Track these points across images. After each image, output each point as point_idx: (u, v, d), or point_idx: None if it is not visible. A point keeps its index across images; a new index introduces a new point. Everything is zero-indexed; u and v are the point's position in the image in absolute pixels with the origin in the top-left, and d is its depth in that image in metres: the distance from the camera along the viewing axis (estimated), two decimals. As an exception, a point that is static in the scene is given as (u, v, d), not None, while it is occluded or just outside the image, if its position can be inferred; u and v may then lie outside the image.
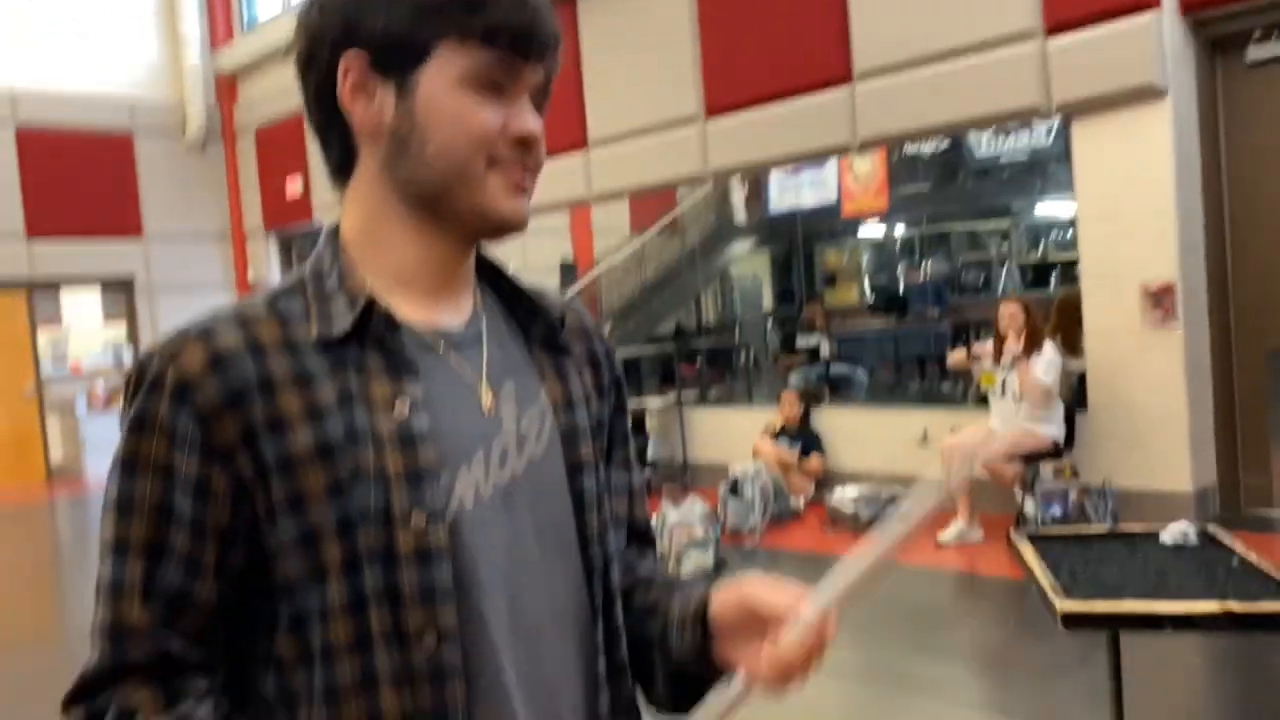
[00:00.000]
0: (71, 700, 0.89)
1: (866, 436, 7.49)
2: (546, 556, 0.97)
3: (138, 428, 0.87)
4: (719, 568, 5.71)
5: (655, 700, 1.08)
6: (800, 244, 12.74)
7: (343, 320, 0.90)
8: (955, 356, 6.93)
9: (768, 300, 13.56)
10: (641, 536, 1.16)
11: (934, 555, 5.94)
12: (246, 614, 0.90)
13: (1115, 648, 2.24)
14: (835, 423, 7.69)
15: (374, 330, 0.91)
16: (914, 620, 4.98)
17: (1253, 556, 2.13)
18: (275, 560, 0.88)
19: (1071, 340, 6.54)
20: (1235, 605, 1.77)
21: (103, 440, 11.14)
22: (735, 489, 6.80)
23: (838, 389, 9.21)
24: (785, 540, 6.58)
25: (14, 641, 6.02)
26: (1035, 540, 2.37)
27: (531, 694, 0.93)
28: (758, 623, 0.94)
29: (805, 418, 7.56)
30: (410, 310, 0.95)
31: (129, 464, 0.88)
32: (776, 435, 7.48)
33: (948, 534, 6.09)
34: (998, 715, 3.73)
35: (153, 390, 0.87)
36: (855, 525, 6.49)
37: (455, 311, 0.99)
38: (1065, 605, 1.89)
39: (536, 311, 1.03)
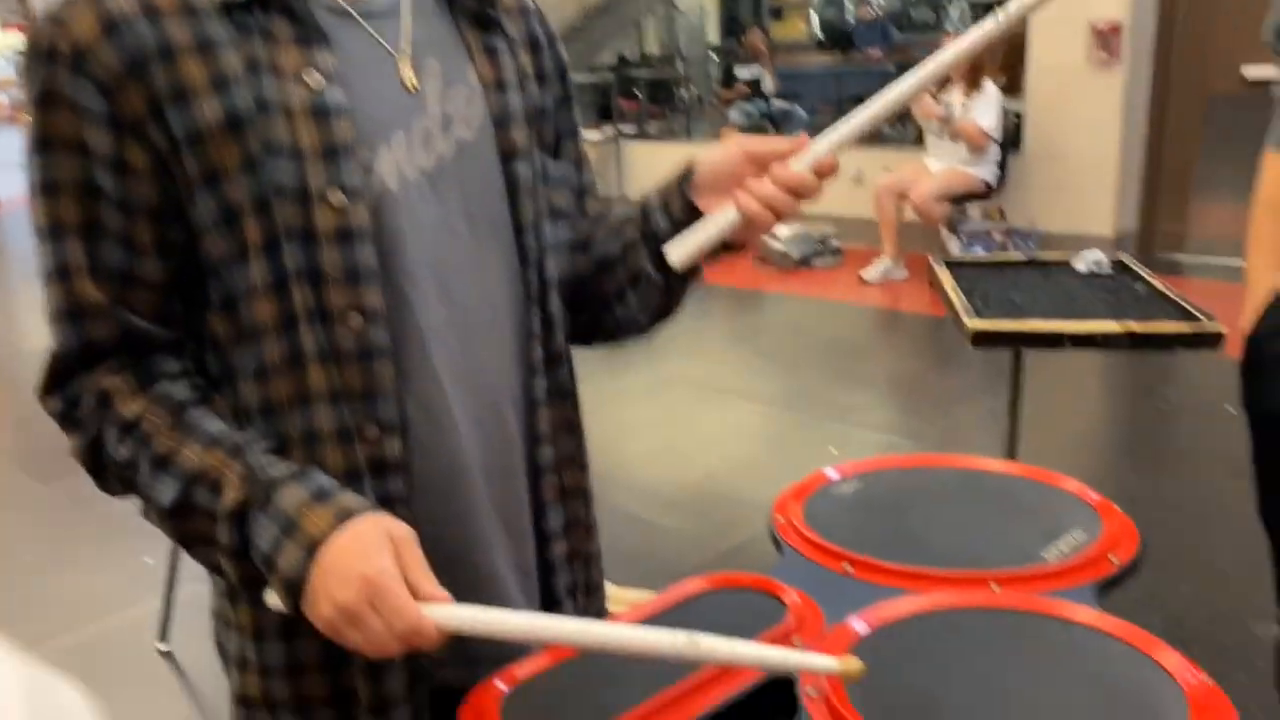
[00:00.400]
0: (46, 390, 0.88)
1: (802, 175, 7.45)
2: (478, 242, 0.94)
3: (43, 104, 0.83)
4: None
5: (627, 327, 1.07)
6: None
7: None
8: (924, 106, 6.44)
9: (712, 33, 13.04)
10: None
11: (858, 291, 6.11)
12: (191, 294, 0.88)
13: (1017, 366, 2.35)
14: (772, 160, 7.62)
15: None
16: (833, 351, 5.18)
17: (1159, 283, 2.22)
18: (201, 239, 0.86)
19: (1013, 80, 6.44)
20: (1135, 325, 1.85)
21: (7, 155, 10.62)
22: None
23: (779, 126, 9.06)
24: (715, 277, 6.67)
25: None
26: (953, 266, 2.43)
27: (463, 378, 0.93)
28: (755, 167, 0.93)
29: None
30: None
31: (43, 143, 0.83)
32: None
33: (873, 271, 6.24)
34: (902, 437, 3.97)
35: (49, 61, 0.82)
36: (785, 263, 6.59)
37: None
38: (974, 324, 1.96)
39: None
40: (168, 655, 2.64)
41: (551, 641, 0.81)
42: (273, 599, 0.83)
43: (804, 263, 6.64)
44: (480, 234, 0.95)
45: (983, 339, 1.95)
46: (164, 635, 2.65)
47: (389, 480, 0.90)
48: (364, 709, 0.91)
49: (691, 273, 1.00)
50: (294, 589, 0.80)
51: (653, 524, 3.27)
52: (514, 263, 0.97)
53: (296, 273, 0.85)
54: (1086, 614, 0.90)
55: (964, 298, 2.12)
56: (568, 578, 1.05)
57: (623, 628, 0.78)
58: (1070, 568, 0.99)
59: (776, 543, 1.11)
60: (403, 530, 0.81)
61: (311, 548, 0.79)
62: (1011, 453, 2.39)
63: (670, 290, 1.02)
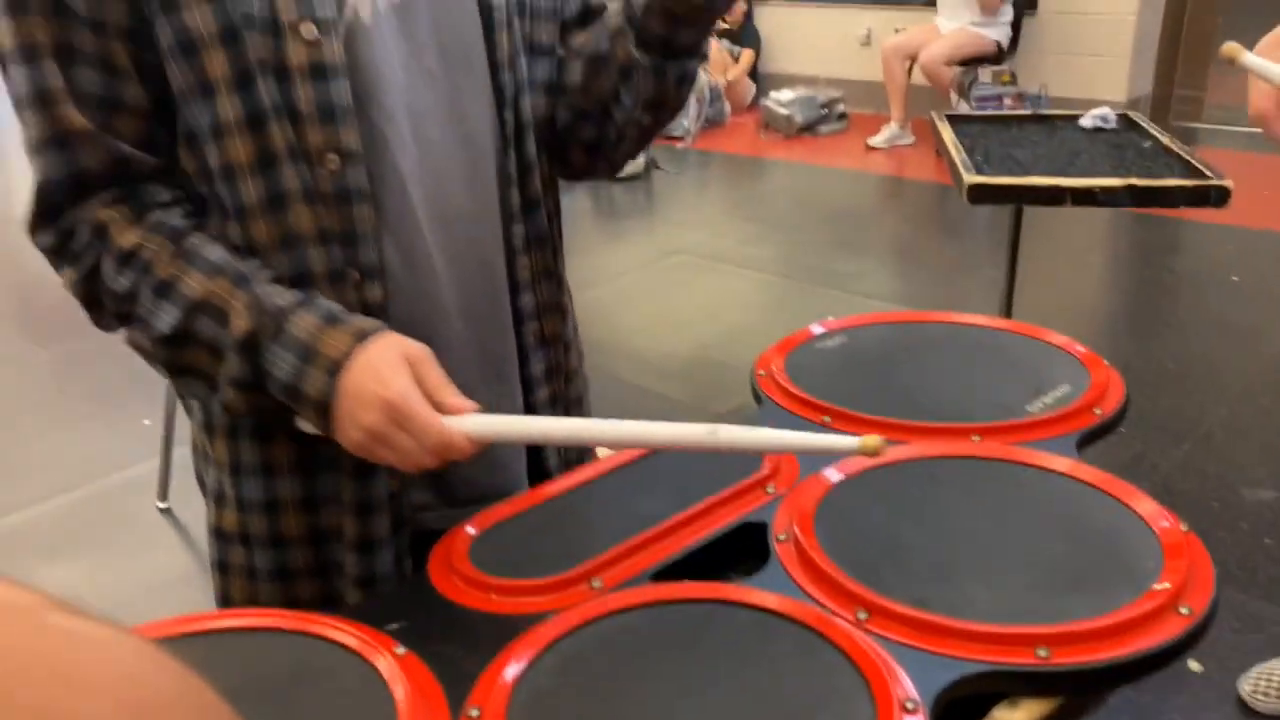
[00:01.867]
0: (37, 223, 0.85)
1: (809, 37, 7.22)
2: (452, 78, 0.90)
3: None
4: (649, 168, 5.69)
5: (629, 133, 0.99)
6: None
7: None
8: None
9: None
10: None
11: (864, 158, 5.99)
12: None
13: (1017, 224, 2.30)
14: (778, 21, 7.37)
15: None
16: (835, 219, 5.11)
17: (1165, 139, 2.14)
18: (166, 67, 0.81)
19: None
20: (1137, 180, 1.79)
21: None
22: (670, 88, 6.62)
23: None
24: (715, 143, 6.53)
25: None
26: (955, 121, 2.35)
27: (440, 221, 0.91)
28: None
29: (747, 16, 7.22)
30: None
31: None
32: (719, 36, 7.18)
33: (879, 137, 6.10)
34: (901, 305, 3.94)
35: None
36: (788, 129, 6.44)
37: None
38: (972, 178, 1.90)
39: None
40: (166, 512, 2.68)
41: (578, 441, 0.87)
42: (305, 425, 0.84)
43: (808, 129, 6.48)
44: (454, 70, 0.91)
45: (980, 194, 1.89)
46: (163, 494, 2.68)
47: None
48: (346, 547, 0.92)
49: (680, 49, 0.92)
50: (325, 411, 0.80)
51: (646, 389, 3.28)
52: (489, 100, 0.94)
53: (274, 109, 0.81)
54: (1063, 463, 0.89)
55: (965, 154, 2.05)
56: None
57: (646, 424, 0.79)
58: (1052, 419, 0.97)
59: (757, 396, 1.09)
60: (418, 349, 0.81)
61: (334, 369, 0.80)
62: (1007, 313, 2.37)
63: (663, 74, 0.93)
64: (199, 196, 0.87)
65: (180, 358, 0.85)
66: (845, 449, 0.75)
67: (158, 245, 0.83)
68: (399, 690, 0.67)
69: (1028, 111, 2.46)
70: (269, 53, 0.80)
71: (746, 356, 1.19)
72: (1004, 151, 2.05)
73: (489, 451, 0.97)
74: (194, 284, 0.82)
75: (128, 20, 0.80)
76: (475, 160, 0.94)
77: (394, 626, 0.76)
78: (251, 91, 0.81)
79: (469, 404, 0.81)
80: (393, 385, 0.78)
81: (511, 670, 0.69)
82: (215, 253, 0.84)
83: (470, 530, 0.86)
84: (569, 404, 1.08)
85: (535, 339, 1.01)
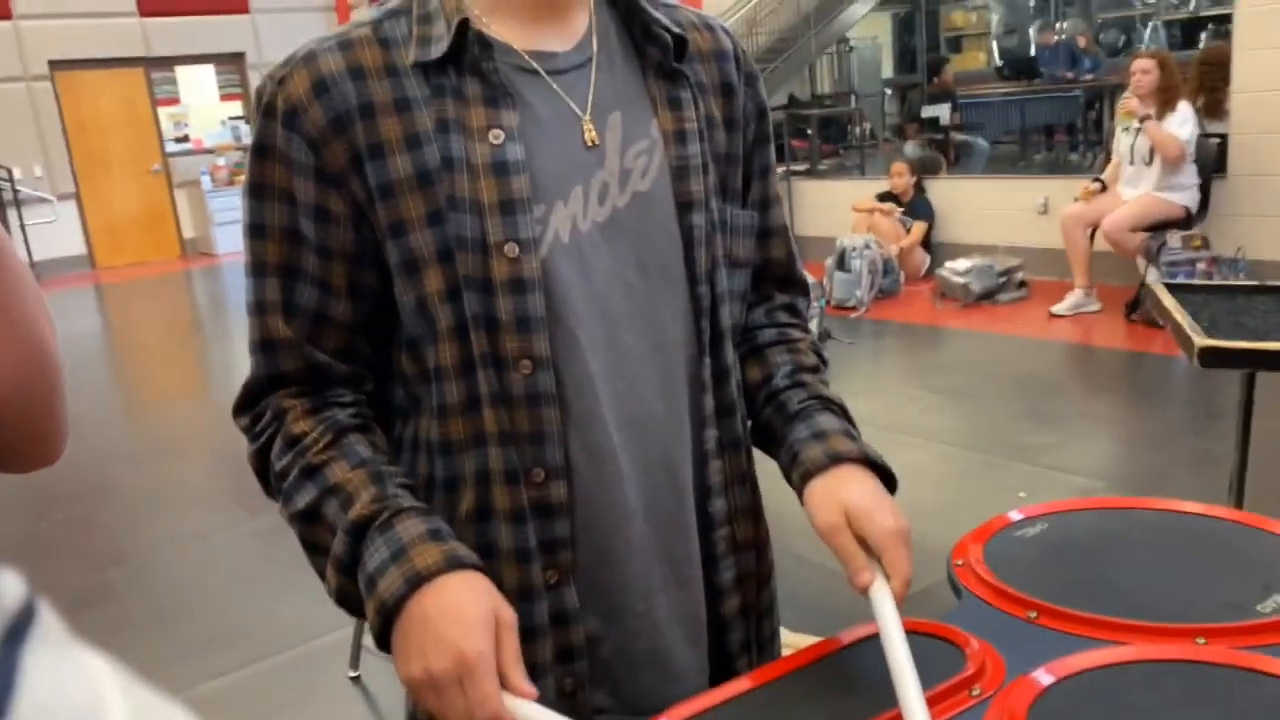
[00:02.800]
0: (238, 409, 0.97)
1: (984, 208, 7.22)
2: (650, 291, 0.95)
3: (259, 154, 0.90)
4: (822, 338, 5.71)
5: None
6: (923, 3, 11.88)
7: (440, 44, 0.88)
8: (1128, 104, 5.69)
9: (887, 67, 12.85)
10: (784, 281, 1.11)
11: (1046, 326, 5.83)
12: (383, 332, 0.94)
13: (1249, 394, 2.14)
14: (952, 194, 7.41)
15: (470, 54, 0.88)
16: (1021, 389, 4.94)
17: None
18: (391, 283, 0.91)
19: (1213, 103, 6.04)
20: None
21: (229, 215, 11.57)
22: (842, 262, 6.71)
23: (958, 159, 8.81)
24: (891, 312, 6.52)
25: (167, 388, 6.56)
26: (1173, 289, 2.24)
27: (631, 424, 0.94)
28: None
29: (919, 188, 7.30)
30: (512, 32, 0.92)
31: (256, 189, 0.91)
32: (888, 201, 7.28)
33: (1063, 304, 5.94)
34: (1098, 480, 3.73)
35: (267, 117, 0.89)
36: (966, 298, 6.36)
37: (564, 32, 0.94)
38: (1204, 341, 1.79)
39: (654, 33, 0.96)
40: (356, 680, 2.76)
41: None
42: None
43: (986, 297, 6.39)
44: (653, 283, 0.95)
45: (1212, 357, 1.76)
46: (354, 663, 2.77)
47: (554, 522, 0.91)
48: None
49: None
50: (387, 616, 0.82)
51: (829, 569, 3.18)
52: (687, 312, 0.97)
53: (474, 319, 0.89)
54: (1308, 674, 0.81)
55: (1190, 317, 1.95)
56: (740, 633, 1.03)
57: None
58: (1288, 622, 0.90)
59: (955, 587, 1.06)
60: (508, 614, 0.82)
61: (414, 580, 0.82)
62: (1238, 494, 2.20)
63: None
64: (410, 396, 0.94)
65: (309, 534, 0.91)
66: None
67: (319, 434, 0.91)
68: None
69: (1250, 282, 2.33)
70: (476, 270, 0.88)
71: (933, 535, 1.16)
72: (1231, 320, 1.94)
73: (667, 657, 0.98)
74: (336, 471, 0.89)
75: (352, 245, 0.90)
76: (669, 366, 0.97)
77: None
78: (459, 302, 0.89)
79: (531, 690, 0.80)
80: (474, 641, 0.78)
81: None
82: (364, 451, 0.91)
83: (667, 724, 0.86)
84: (760, 614, 1.06)
85: (727, 545, 1.01)
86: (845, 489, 0.93)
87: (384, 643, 0.84)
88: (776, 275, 1.11)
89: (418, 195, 0.88)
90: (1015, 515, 1.18)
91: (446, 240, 0.88)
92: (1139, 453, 4.04)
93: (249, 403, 0.96)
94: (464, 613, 0.80)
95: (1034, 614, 0.96)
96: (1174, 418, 4.41)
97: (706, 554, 1.00)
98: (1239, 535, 1.08)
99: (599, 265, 0.92)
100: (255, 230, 0.92)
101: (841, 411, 1.03)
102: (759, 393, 1.05)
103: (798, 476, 0.97)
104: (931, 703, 0.82)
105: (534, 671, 0.89)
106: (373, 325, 0.94)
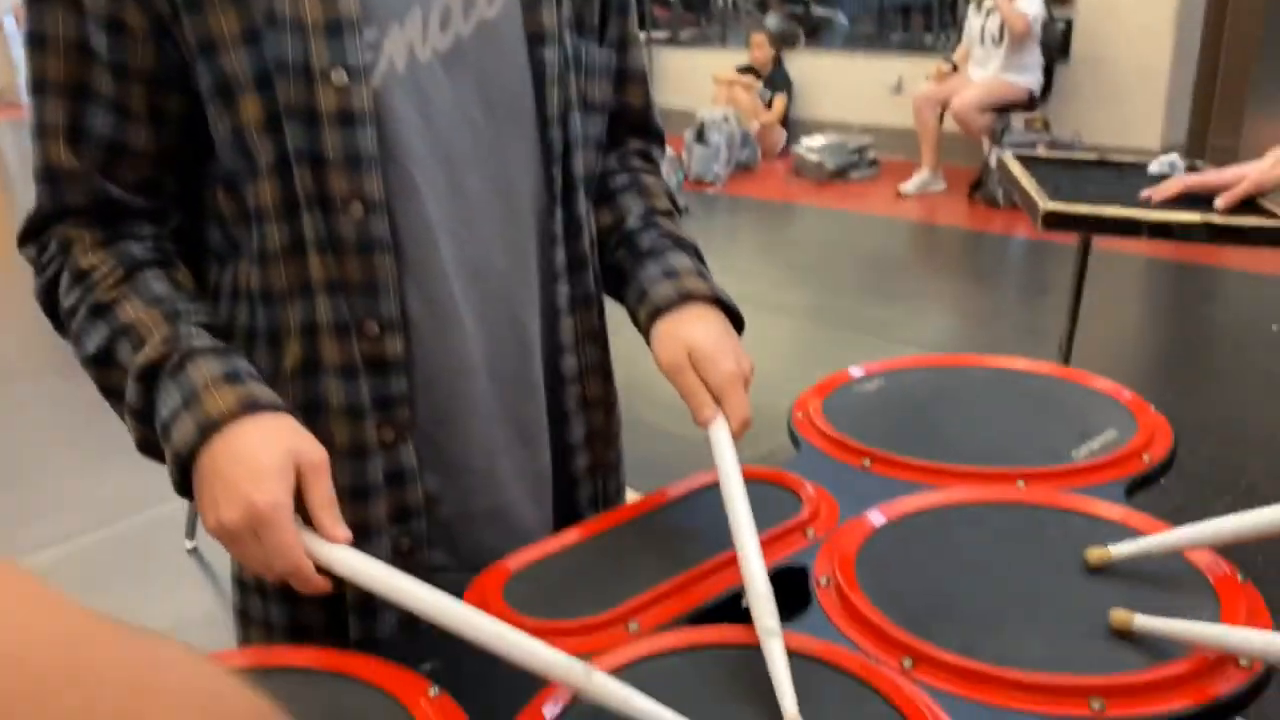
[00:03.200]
0: (22, 239, 0.87)
1: (840, 84, 7.28)
2: (498, 132, 0.88)
3: None
4: (681, 213, 5.70)
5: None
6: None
7: None
8: None
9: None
10: (641, 129, 1.06)
11: (895, 205, 5.99)
12: (195, 166, 0.85)
13: (1084, 258, 2.26)
14: (810, 69, 7.43)
15: None
16: (867, 266, 5.09)
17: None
18: (205, 110, 0.82)
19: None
20: (1216, 218, 1.76)
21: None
22: (701, 135, 6.67)
23: (816, 33, 8.80)
24: (746, 188, 6.56)
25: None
26: (1023, 160, 2.33)
27: (471, 275, 0.88)
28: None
29: (777, 62, 7.29)
30: None
31: None
32: (748, 74, 7.25)
33: (910, 184, 6.10)
34: (935, 350, 3.91)
35: None
36: (819, 175, 6.46)
37: None
38: (1048, 205, 1.87)
39: None
40: (194, 552, 2.68)
41: (440, 622, 0.70)
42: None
43: (839, 174, 6.50)
44: (499, 123, 0.89)
45: (1055, 220, 1.85)
46: (191, 533, 2.69)
47: (390, 378, 0.86)
48: (350, 608, 0.89)
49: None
50: (183, 465, 0.76)
51: (675, 435, 3.24)
52: (536, 156, 0.91)
53: (298, 154, 0.81)
54: (1115, 510, 0.86)
55: (1036, 183, 2.03)
56: (589, 489, 1.02)
57: (518, 636, 0.68)
58: (1100, 465, 0.95)
59: (794, 439, 1.08)
60: (316, 455, 0.76)
61: (205, 427, 0.75)
62: (1066, 358, 2.33)
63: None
64: (228, 239, 0.87)
65: (105, 379, 0.84)
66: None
67: (108, 269, 0.83)
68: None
69: (1095, 156, 2.44)
70: (300, 99, 0.80)
71: (778, 402, 1.18)
72: (1075, 188, 2.02)
73: (509, 515, 0.95)
74: (128, 309, 0.82)
75: (154, 66, 0.81)
76: (515, 215, 0.91)
77: (428, 666, 0.74)
78: (280, 135, 0.81)
79: (344, 533, 0.75)
80: (265, 491, 0.72)
81: (549, 711, 0.67)
82: (160, 287, 0.84)
83: (505, 569, 0.85)
84: (607, 470, 1.05)
85: (577, 403, 0.98)
86: (691, 329, 0.92)
87: (185, 492, 0.79)
88: (632, 122, 1.06)
89: (229, 8, 0.78)
90: (855, 371, 1.21)
91: (264, 63, 0.79)
92: (975, 326, 4.24)
93: (32, 233, 0.87)
94: (257, 459, 0.74)
95: (868, 462, 0.99)
96: (1008, 294, 4.64)
97: (557, 412, 0.97)
98: (1061, 389, 1.14)
99: (439, 100, 0.85)
100: (35, 40, 0.80)
101: (695, 253, 1.01)
102: (610, 237, 1.01)
103: (645, 314, 0.95)
104: (768, 543, 0.84)
105: (368, 531, 0.86)
106: (181, 156, 0.85)
